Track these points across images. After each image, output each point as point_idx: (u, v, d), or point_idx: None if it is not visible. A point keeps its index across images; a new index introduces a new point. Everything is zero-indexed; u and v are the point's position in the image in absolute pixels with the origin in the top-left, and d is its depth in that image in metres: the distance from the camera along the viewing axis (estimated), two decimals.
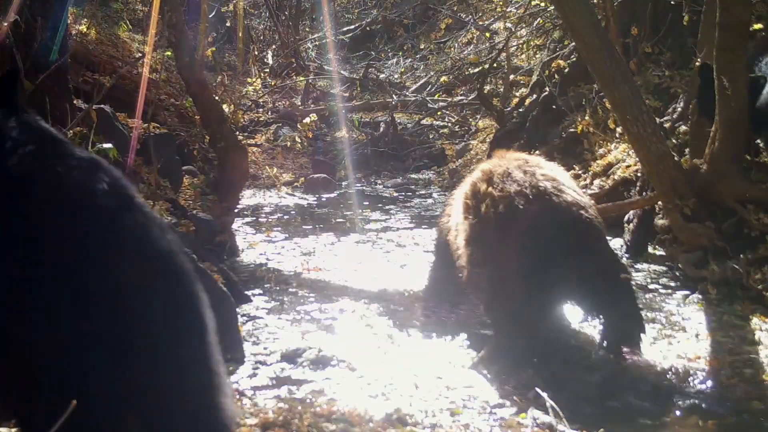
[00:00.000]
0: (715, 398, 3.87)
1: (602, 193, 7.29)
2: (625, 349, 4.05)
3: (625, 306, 4.12)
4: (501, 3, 12.30)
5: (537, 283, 3.86)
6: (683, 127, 6.74)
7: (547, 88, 9.08)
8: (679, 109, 7.08)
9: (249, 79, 12.97)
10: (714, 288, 5.23)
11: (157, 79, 7.66)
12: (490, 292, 4.14)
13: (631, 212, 6.55)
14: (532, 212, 3.91)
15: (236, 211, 7.37)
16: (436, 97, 12.82)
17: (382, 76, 15.06)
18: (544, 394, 3.72)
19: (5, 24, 3.94)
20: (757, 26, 6.07)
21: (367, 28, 17.38)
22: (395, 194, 9.93)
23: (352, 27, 17.41)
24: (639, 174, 6.82)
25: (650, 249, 6.35)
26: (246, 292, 5.36)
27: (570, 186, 4.14)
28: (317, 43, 15.93)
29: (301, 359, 4.11)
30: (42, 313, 1.91)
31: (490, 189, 4.10)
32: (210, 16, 13.26)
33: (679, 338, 4.61)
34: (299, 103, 13.30)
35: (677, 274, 5.72)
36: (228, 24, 15.65)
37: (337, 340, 4.56)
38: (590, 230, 4.01)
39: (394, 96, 13.19)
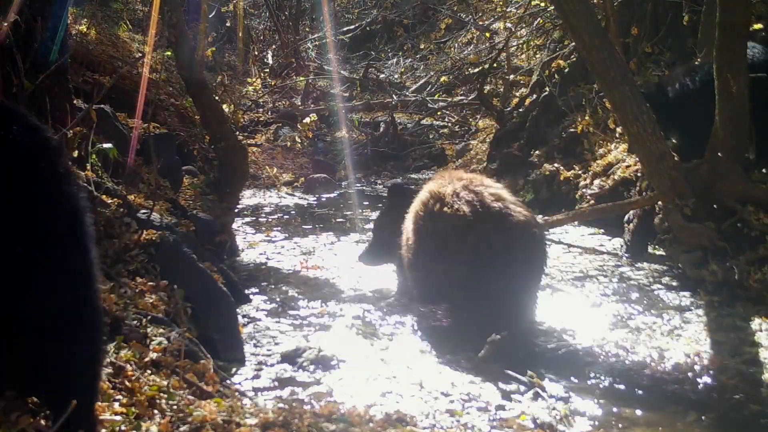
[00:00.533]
0: (716, 398, 3.87)
1: (602, 193, 7.30)
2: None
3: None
4: (501, 3, 12.29)
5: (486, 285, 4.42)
6: None
7: (547, 88, 9.08)
8: None
9: (249, 79, 12.97)
10: (714, 288, 5.23)
11: (157, 79, 7.65)
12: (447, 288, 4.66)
13: (631, 212, 6.55)
14: (484, 229, 4.43)
15: (236, 211, 7.37)
16: (436, 97, 12.82)
17: (382, 76, 15.05)
18: (544, 394, 3.73)
19: (5, 24, 3.94)
20: (757, 26, 6.08)
21: (367, 28, 17.37)
22: None
23: (352, 27, 17.41)
24: (639, 174, 6.82)
25: (650, 249, 6.35)
26: (246, 292, 5.36)
27: (515, 203, 4.67)
28: (317, 43, 15.93)
29: (301, 359, 4.11)
30: None
31: (444, 209, 4.57)
32: (210, 16, 13.27)
33: (679, 338, 4.61)
34: (299, 103, 13.29)
35: (677, 273, 5.72)
36: (228, 24, 15.66)
37: (337, 340, 4.56)
38: (538, 245, 4.66)
39: (394, 96, 13.18)
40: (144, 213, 4.58)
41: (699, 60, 6.60)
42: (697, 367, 4.19)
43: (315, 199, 9.59)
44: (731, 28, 5.16)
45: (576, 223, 7.21)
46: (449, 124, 12.84)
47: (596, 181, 7.50)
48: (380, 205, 9.12)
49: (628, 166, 7.18)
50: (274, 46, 15.95)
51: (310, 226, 7.89)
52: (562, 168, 8.14)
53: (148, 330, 3.46)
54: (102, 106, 5.45)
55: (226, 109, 7.87)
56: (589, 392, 3.89)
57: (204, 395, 3.15)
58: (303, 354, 4.15)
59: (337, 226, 8.02)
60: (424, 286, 4.88)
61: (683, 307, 5.15)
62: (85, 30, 8.69)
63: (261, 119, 11.99)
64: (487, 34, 12.93)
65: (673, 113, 5.99)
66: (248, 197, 9.17)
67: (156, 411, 2.78)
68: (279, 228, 7.76)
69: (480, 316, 4.48)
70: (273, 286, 5.68)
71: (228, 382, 3.67)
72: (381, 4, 17.72)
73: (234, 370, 3.98)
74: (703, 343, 4.53)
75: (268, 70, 14.71)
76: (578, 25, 5.55)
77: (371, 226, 6.00)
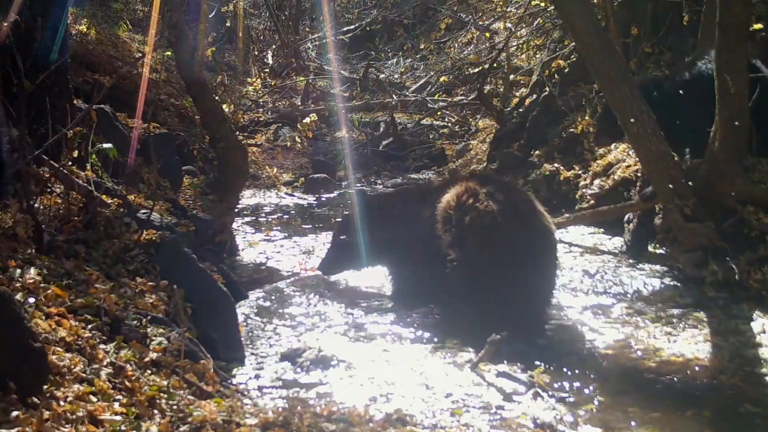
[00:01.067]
0: (716, 398, 3.87)
1: (602, 193, 7.30)
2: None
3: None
4: (501, 3, 12.29)
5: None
6: None
7: (547, 88, 9.07)
8: None
9: (249, 79, 12.95)
10: (714, 288, 5.23)
11: (157, 79, 7.65)
12: (462, 280, 4.83)
13: (631, 212, 6.55)
14: (509, 228, 4.72)
15: (236, 210, 7.37)
16: (436, 97, 12.81)
17: (382, 76, 15.04)
18: (544, 394, 3.73)
19: (5, 24, 3.94)
20: (757, 26, 6.07)
21: (367, 28, 17.36)
22: None
23: (352, 27, 17.39)
24: (639, 174, 6.82)
25: (650, 249, 6.35)
26: (246, 292, 5.35)
27: (539, 211, 4.97)
28: (317, 43, 15.91)
29: (301, 359, 4.11)
30: None
31: (476, 204, 4.82)
32: (210, 16, 13.22)
33: (679, 338, 4.61)
34: (299, 103, 13.29)
35: (677, 274, 5.72)
36: (228, 24, 15.64)
37: (337, 340, 4.56)
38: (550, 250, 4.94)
39: (394, 96, 13.17)
40: (144, 213, 4.58)
41: (696, 56, 6.58)
42: (697, 367, 4.19)
43: (315, 199, 9.59)
44: (731, 28, 5.16)
45: None
46: (449, 124, 12.83)
47: (596, 181, 7.50)
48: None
49: (628, 166, 7.18)
50: (274, 46, 15.93)
51: (310, 226, 7.89)
52: (562, 168, 8.14)
53: (148, 330, 3.46)
54: (102, 106, 5.45)
55: (226, 109, 7.87)
56: (589, 392, 3.89)
57: (204, 395, 3.15)
58: (303, 354, 4.15)
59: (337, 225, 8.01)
60: (437, 274, 5.00)
61: (683, 307, 5.14)
62: (85, 30, 8.71)
63: (261, 119, 11.98)
64: (487, 34, 12.91)
65: (668, 108, 5.95)
66: (248, 197, 9.16)
67: (156, 411, 2.78)
68: (279, 228, 7.77)
69: (493, 310, 4.64)
70: (273, 286, 5.67)
71: (228, 382, 3.67)
72: (381, 4, 17.71)
73: (234, 370, 3.97)
74: (703, 343, 4.54)
75: (268, 70, 14.70)
76: (578, 25, 5.55)
77: (332, 235, 5.96)
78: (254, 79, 13.00)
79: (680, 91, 5.97)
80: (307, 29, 17.07)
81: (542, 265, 4.83)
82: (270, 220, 8.28)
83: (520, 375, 3.98)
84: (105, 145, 4.29)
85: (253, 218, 8.25)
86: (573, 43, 8.24)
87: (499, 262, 4.69)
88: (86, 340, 3.02)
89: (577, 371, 4.13)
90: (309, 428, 2.95)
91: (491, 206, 4.77)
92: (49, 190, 4.34)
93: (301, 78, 13.52)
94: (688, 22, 7.48)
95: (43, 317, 3.02)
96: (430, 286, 5.09)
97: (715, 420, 3.63)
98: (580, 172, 7.89)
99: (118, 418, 2.60)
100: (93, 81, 7.19)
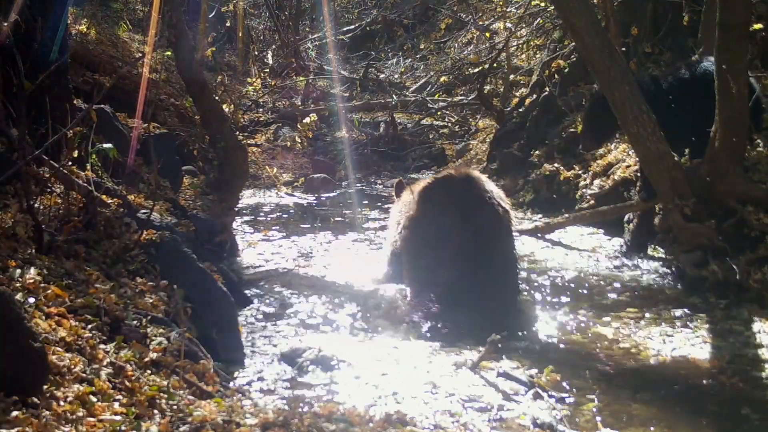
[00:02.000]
0: (715, 398, 3.87)
1: (602, 193, 7.30)
2: None
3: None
4: (501, 3, 12.30)
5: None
6: None
7: (547, 88, 9.08)
8: None
9: (249, 79, 12.95)
10: (714, 288, 5.23)
11: (157, 79, 7.64)
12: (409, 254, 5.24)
13: (631, 212, 6.55)
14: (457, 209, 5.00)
15: (236, 210, 7.37)
16: (436, 97, 12.82)
17: (382, 76, 15.05)
18: (544, 394, 3.73)
19: (5, 24, 3.94)
20: (757, 26, 6.08)
21: (367, 28, 17.37)
22: None
23: (352, 27, 17.40)
24: (639, 174, 6.82)
25: (650, 249, 6.35)
26: (246, 292, 5.35)
27: (499, 197, 5.22)
28: (317, 43, 15.92)
29: (301, 359, 4.11)
30: None
31: (435, 189, 5.21)
32: (210, 16, 13.26)
33: (678, 338, 4.61)
34: (299, 103, 13.29)
35: (677, 274, 5.72)
36: (228, 24, 15.65)
37: (337, 340, 4.56)
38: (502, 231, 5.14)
39: (394, 96, 13.18)
40: (144, 213, 4.57)
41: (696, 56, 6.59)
42: (697, 368, 4.19)
43: (315, 198, 9.59)
44: (731, 28, 5.16)
45: None
46: (449, 124, 12.84)
47: (596, 181, 7.51)
48: (379, 204, 9.15)
49: (628, 166, 7.18)
50: (274, 46, 15.94)
51: (309, 226, 7.89)
52: (562, 168, 8.15)
53: (148, 330, 3.46)
54: (102, 106, 5.44)
55: (226, 109, 7.86)
56: (589, 392, 3.89)
57: (204, 395, 3.15)
58: (303, 354, 4.15)
59: (337, 225, 8.02)
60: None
61: (683, 307, 5.14)
62: (85, 30, 8.70)
63: (261, 119, 11.99)
64: (487, 34, 12.92)
65: (665, 104, 5.95)
66: (248, 197, 9.17)
67: (156, 411, 2.78)
68: (278, 227, 7.77)
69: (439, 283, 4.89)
70: (273, 286, 5.67)
71: (228, 382, 3.67)
72: (381, 4, 17.72)
73: (234, 370, 3.97)
74: (703, 343, 4.54)
75: (268, 70, 14.71)
76: (578, 25, 5.55)
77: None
78: (254, 79, 13.00)
79: (671, 88, 5.98)
80: (307, 29, 17.09)
81: (488, 242, 4.98)
82: (270, 219, 8.28)
83: (520, 375, 3.98)
84: (105, 145, 4.28)
85: (253, 218, 8.25)
86: (573, 43, 8.24)
87: (444, 237, 4.95)
88: (86, 340, 3.02)
89: (577, 371, 4.13)
90: (309, 428, 2.95)
91: (444, 188, 5.14)
92: (49, 190, 4.33)
93: (301, 78, 13.53)
94: (688, 22, 7.49)
95: (43, 317, 3.02)
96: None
97: (715, 420, 3.62)
98: (580, 172, 7.90)
99: (118, 418, 2.60)
100: (93, 81, 7.19)
